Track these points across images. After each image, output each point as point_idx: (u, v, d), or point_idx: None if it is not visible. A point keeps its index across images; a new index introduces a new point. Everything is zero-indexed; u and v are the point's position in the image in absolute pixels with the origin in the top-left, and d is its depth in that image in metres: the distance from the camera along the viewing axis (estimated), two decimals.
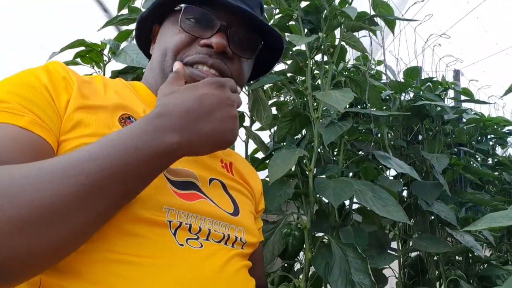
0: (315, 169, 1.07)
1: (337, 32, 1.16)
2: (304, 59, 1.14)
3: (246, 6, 0.61)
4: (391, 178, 1.36)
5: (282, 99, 1.59)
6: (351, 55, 1.45)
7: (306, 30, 1.13)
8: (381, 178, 1.29)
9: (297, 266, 1.37)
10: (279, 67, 1.31)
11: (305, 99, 1.30)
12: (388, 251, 1.22)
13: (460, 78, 2.20)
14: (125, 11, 1.23)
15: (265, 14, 1.20)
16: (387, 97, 1.46)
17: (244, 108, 1.36)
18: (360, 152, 1.33)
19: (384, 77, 1.53)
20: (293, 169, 1.11)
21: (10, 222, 0.34)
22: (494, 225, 0.52)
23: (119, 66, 1.16)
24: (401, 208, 0.93)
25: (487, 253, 2.07)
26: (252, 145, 1.36)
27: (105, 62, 1.20)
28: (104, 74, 1.21)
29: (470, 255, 1.62)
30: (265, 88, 1.48)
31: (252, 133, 1.32)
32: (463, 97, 1.75)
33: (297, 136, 1.28)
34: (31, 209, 0.35)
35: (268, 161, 1.04)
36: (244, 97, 1.34)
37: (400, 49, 1.60)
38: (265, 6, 1.06)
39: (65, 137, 0.47)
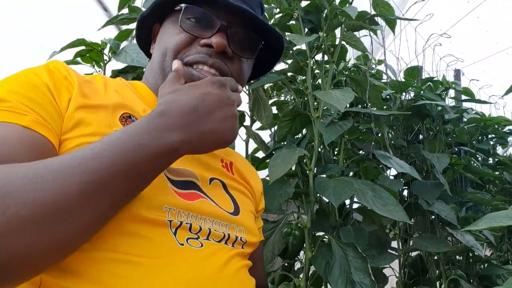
0: (315, 169, 1.07)
1: (338, 32, 1.16)
2: (304, 58, 1.14)
3: (247, 6, 0.61)
4: (391, 177, 1.36)
5: (282, 98, 1.59)
6: (352, 54, 1.45)
7: (306, 30, 1.13)
8: (382, 178, 1.29)
9: (297, 265, 1.37)
10: (279, 66, 1.31)
11: (306, 99, 1.30)
12: (389, 250, 1.22)
13: (461, 78, 2.19)
14: (125, 10, 1.23)
15: (265, 14, 1.20)
16: (388, 97, 1.46)
17: (245, 107, 1.37)
18: (360, 152, 1.33)
19: (384, 76, 1.53)
20: (293, 168, 1.11)
21: (13, 220, 0.34)
22: (495, 224, 0.52)
23: (120, 65, 1.16)
24: (401, 208, 0.93)
25: (487, 253, 2.07)
26: (252, 145, 1.36)
27: (105, 62, 1.20)
28: (104, 74, 1.21)
29: (471, 254, 1.62)
30: (265, 87, 1.48)
31: (252, 132, 1.32)
32: (463, 97, 1.75)
33: (297, 136, 1.28)
34: (34, 208, 0.35)
35: (268, 160, 1.04)
36: (244, 96, 1.35)
37: (401, 49, 1.60)
38: (265, 5, 1.06)
39: (66, 136, 0.47)
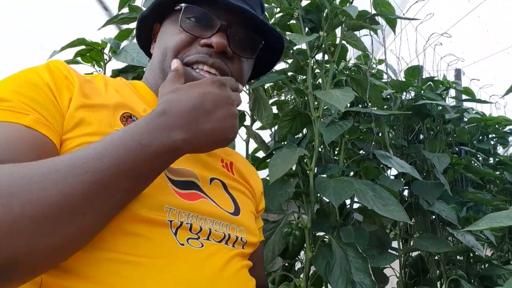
0: (315, 169, 1.07)
1: (338, 31, 1.16)
2: (305, 58, 1.14)
3: (247, 5, 0.61)
4: (392, 177, 1.36)
5: (283, 98, 1.59)
6: (352, 54, 1.45)
7: (307, 29, 1.12)
8: (382, 178, 1.29)
9: (297, 265, 1.37)
10: (280, 66, 1.31)
11: (306, 98, 1.30)
12: (389, 250, 1.21)
13: (461, 77, 2.19)
14: (125, 9, 1.23)
15: (266, 13, 1.20)
16: (388, 96, 1.46)
17: (245, 107, 1.36)
18: (361, 152, 1.33)
19: (385, 76, 1.53)
20: (293, 168, 1.11)
21: (19, 220, 0.34)
22: (495, 225, 0.52)
23: (120, 65, 1.16)
24: (402, 208, 0.93)
25: (488, 253, 2.07)
26: (253, 144, 1.36)
27: (105, 61, 1.20)
28: (104, 73, 1.21)
29: (471, 254, 1.62)
30: (265, 87, 1.48)
31: (252, 132, 1.32)
32: (464, 96, 1.75)
33: (298, 135, 1.28)
34: (39, 208, 0.35)
35: (269, 160, 1.04)
36: (245, 96, 1.34)
37: (401, 48, 1.60)
38: (266, 4, 1.06)
39: (67, 135, 0.47)
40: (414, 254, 1.49)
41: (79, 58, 1.19)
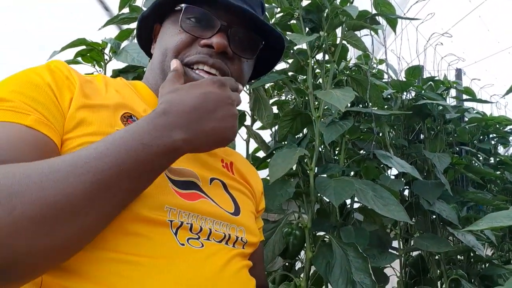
0: (316, 168, 1.07)
1: (339, 31, 1.16)
2: (305, 58, 1.14)
3: (247, 5, 0.61)
4: (392, 177, 1.36)
5: (283, 98, 1.59)
6: (353, 54, 1.45)
7: (307, 29, 1.12)
8: (383, 178, 1.29)
9: (298, 265, 1.37)
10: (280, 66, 1.31)
11: (306, 98, 1.30)
12: (389, 250, 1.21)
13: (462, 77, 2.19)
14: (126, 9, 1.23)
15: (266, 13, 1.20)
16: (389, 96, 1.46)
17: (245, 107, 1.36)
18: (361, 151, 1.33)
19: (385, 76, 1.53)
20: (294, 168, 1.11)
21: (19, 220, 0.34)
22: (496, 224, 0.52)
23: (120, 65, 1.16)
24: (402, 208, 0.93)
25: (488, 252, 2.07)
26: (253, 144, 1.36)
27: (106, 61, 1.20)
28: (105, 73, 1.21)
29: (472, 254, 1.62)
30: (266, 87, 1.48)
31: (253, 132, 1.32)
32: (465, 96, 1.74)
33: (298, 135, 1.28)
34: (41, 208, 0.35)
35: (269, 160, 1.04)
36: (245, 96, 1.34)
37: (402, 48, 1.60)
38: (266, 4, 1.06)
39: (68, 136, 0.47)
40: (415, 253, 1.49)
41: (79, 58, 1.19)
